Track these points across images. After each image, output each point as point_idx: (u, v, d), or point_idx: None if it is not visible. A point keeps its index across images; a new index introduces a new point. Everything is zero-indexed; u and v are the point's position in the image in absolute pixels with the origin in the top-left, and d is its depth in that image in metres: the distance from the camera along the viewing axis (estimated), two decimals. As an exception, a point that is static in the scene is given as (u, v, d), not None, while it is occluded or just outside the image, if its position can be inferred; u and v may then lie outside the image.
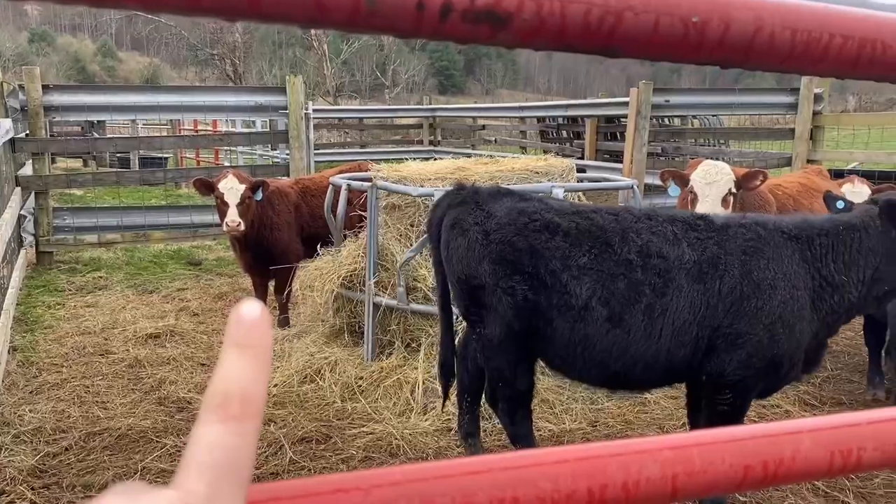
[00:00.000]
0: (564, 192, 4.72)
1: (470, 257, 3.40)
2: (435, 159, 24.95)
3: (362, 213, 5.36)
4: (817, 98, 11.15)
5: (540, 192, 4.89)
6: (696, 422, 3.50)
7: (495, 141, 22.92)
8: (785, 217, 3.46)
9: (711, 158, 14.93)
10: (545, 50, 0.55)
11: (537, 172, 5.16)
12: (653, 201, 10.82)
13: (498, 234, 3.33)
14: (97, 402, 4.86)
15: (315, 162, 21.18)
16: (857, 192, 5.89)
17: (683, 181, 4.81)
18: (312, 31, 39.73)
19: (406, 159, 25.13)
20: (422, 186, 5.00)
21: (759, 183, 4.69)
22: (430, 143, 23.52)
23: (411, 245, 4.97)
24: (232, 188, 5.68)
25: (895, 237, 3.10)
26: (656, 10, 0.53)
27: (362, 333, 5.27)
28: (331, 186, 5.73)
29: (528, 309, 3.28)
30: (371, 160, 24.32)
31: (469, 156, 20.00)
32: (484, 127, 22.89)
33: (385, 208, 5.36)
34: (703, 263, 3.17)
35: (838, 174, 11.40)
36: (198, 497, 0.42)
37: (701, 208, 4.64)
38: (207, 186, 5.80)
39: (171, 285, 7.97)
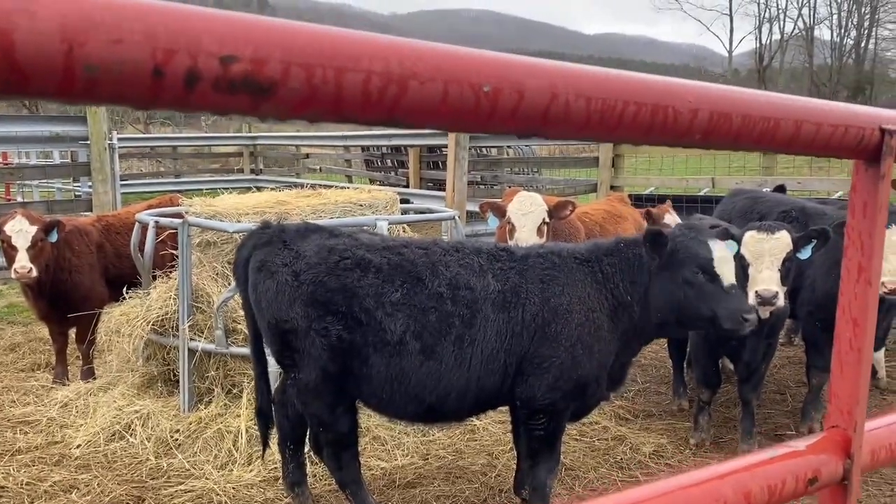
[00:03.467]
0: (388, 224, 4.68)
1: (280, 300, 3.30)
2: (257, 189, 24.16)
3: (174, 252, 5.00)
4: (617, 129, 12.09)
5: (364, 225, 4.84)
6: (519, 446, 3.63)
7: (320, 170, 22.66)
8: (579, 244, 3.67)
9: (525, 186, 15.69)
10: (321, 122, 0.47)
11: (361, 205, 5.10)
12: (475, 228, 11.16)
13: (308, 275, 3.26)
14: None
15: (123, 194, 19.83)
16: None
17: (501, 212, 4.96)
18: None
19: (226, 190, 23.89)
20: (238, 222, 4.76)
21: (569, 212, 4.94)
22: (252, 171, 22.80)
23: (229, 284, 4.70)
24: (21, 230, 5.09)
25: (659, 265, 3.35)
26: (444, 78, 0.47)
27: (178, 382, 4.89)
28: (137, 224, 5.29)
29: (343, 349, 3.25)
30: (187, 191, 23.11)
31: (293, 185, 19.57)
32: (308, 156, 22.56)
33: (199, 245, 5.04)
34: (506, 293, 3.30)
35: (638, 198, 12.45)
36: None
37: (519, 238, 4.80)
38: (-10, 229, 5.16)
39: (-48, 337, 7.00)
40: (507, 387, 3.35)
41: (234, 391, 4.73)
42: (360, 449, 3.71)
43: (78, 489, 4.08)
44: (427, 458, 4.47)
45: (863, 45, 59.47)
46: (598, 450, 4.65)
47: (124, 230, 5.89)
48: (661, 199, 12.22)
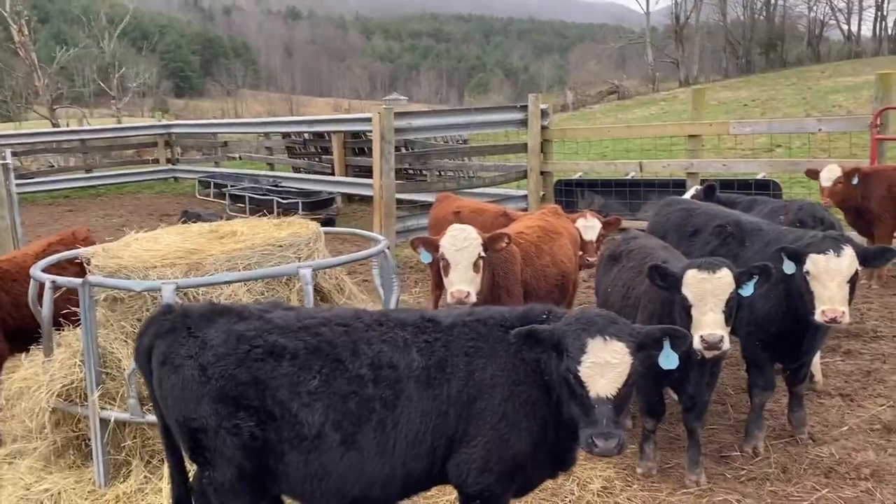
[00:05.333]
0: (312, 271, 4.35)
1: (186, 397, 2.99)
2: (175, 180, 23.19)
3: (76, 309, 4.55)
4: (544, 114, 11.92)
5: (285, 274, 4.50)
6: None
7: (239, 157, 21.86)
8: (512, 308, 3.37)
9: (455, 172, 15.43)
10: None
11: (281, 245, 4.73)
12: (407, 224, 10.87)
13: (216, 369, 2.96)
14: None
15: (30, 193, 18.64)
16: (590, 226, 6.26)
17: (434, 247, 4.70)
18: (15, 36, 34.97)
19: (140, 181, 22.94)
20: (146, 277, 4.35)
21: (504, 245, 4.73)
22: (168, 161, 21.85)
23: (141, 345, 4.29)
24: None
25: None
26: None
27: (91, 450, 4.48)
28: (32, 280, 4.79)
29: (257, 448, 2.97)
30: (100, 185, 21.94)
31: (212, 175, 18.80)
32: (226, 143, 21.69)
33: (105, 301, 4.60)
34: (431, 368, 3.05)
35: (567, 183, 12.38)
36: None
37: (454, 275, 4.57)
38: None
39: None
40: (436, 471, 3.11)
41: (154, 461, 4.37)
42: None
43: None
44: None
45: (773, 1, 61.10)
46: (546, 490, 4.50)
47: (22, 276, 5.35)
48: (591, 185, 12.23)
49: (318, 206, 13.96)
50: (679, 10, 58.40)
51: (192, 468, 3.43)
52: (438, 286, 6.92)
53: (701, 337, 3.76)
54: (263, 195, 14.58)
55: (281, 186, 15.63)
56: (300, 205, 13.62)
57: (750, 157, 14.35)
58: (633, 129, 14.25)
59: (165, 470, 4.24)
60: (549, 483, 4.54)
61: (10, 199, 7.99)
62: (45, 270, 4.87)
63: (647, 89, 49.69)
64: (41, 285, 4.73)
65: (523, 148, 12.06)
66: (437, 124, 11.80)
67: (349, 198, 15.90)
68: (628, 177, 11.88)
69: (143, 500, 4.18)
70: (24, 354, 5.33)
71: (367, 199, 13.66)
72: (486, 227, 5.47)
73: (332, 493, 3.06)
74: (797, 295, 4.32)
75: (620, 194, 11.73)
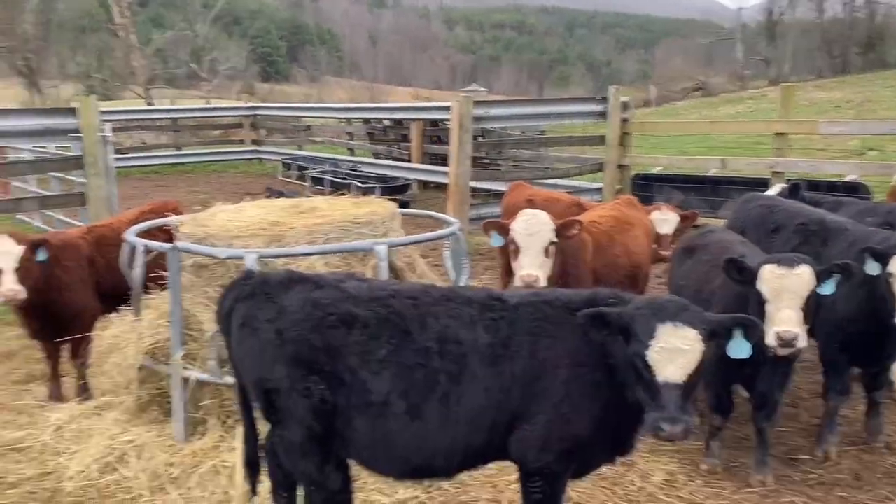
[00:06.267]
0: (388, 247, 4.47)
1: (263, 359, 3.14)
2: (259, 161, 23.86)
3: (165, 273, 4.81)
4: (625, 106, 11.74)
5: (361, 250, 4.64)
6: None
7: (322, 142, 22.33)
8: (579, 291, 3.39)
9: (530, 163, 15.36)
10: None
11: (359, 222, 4.87)
12: (480, 212, 10.92)
13: (292, 333, 3.09)
14: None
15: (124, 167, 19.57)
16: (665, 219, 6.18)
17: (505, 231, 4.75)
18: (117, 18, 36.63)
19: (226, 160, 23.65)
20: (230, 246, 4.56)
21: (576, 232, 4.74)
22: (254, 142, 22.52)
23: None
24: (5, 251, 4.90)
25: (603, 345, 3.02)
26: None
27: (171, 407, 4.74)
28: (125, 244, 5.09)
29: (326, 411, 3.09)
30: (189, 163, 22.80)
31: (294, 157, 19.31)
32: (309, 127, 22.21)
33: (191, 267, 4.85)
34: (496, 346, 3.10)
35: (645, 178, 12.17)
36: None
37: (524, 259, 4.61)
38: (-27, 250, 4.97)
39: (-56, 343, 6.89)
40: (497, 446, 3.17)
41: (230, 422, 4.59)
42: (360, 482, 3.56)
43: (70, 531, 3.97)
44: (430, 493, 4.33)
45: (875, -2, 57.96)
46: (607, 479, 4.50)
47: (116, 241, 5.67)
48: (669, 180, 11.98)
49: (394, 192, 14.16)
50: (773, 5, 56.18)
51: (263, 429, 3.59)
52: (507, 272, 6.94)
53: (776, 333, 3.69)
54: (342, 178, 14.89)
55: (359, 171, 15.93)
56: (377, 189, 13.86)
57: (840, 159, 13.76)
58: (716, 125, 13.89)
59: (239, 430, 4.46)
60: (610, 473, 4.56)
61: (108, 171, 8.44)
62: (137, 236, 5.15)
63: (735, 87, 48.03)
64: (134, 249, 5.02)
65: (601, 140, 11.90)
66: (515, 113, 11.79)
67: (424, 184, 16.06)
68: (709, 173, 11.58)
69: (217, 456, 4.40)
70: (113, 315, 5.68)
71: (441, 187, 13.76)
72: (559, 216, 5.47)
73: (396, 459, 3.17)
74: (880, 297, 4.18)
75: (700, 191, 11.43)
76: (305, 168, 17.23)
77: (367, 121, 19.56)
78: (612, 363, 3.05)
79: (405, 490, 4.31)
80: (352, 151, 19.87)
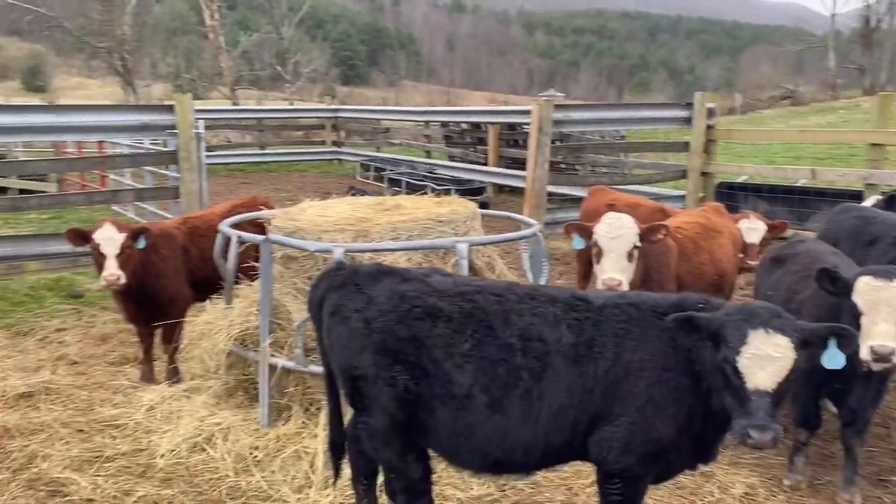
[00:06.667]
0: (468, 246, 4.53)
1: (351, 347, 3.25)
2: (339, 162, 24.36)
3: (255, 263, 5.00)
4: (710, 112, 11.47)
5: (442, 247, 4.72)
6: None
7: (400, 144, 22.65)
8: (666, 295, 3.36)
9: (609, 168, 15.16)
10: None
11: (441, 221, 4.95)
12: (555, 216, 10.87)
13: (379, 323, 3.18)
14: (-46, 489, 4.33)
15: (210, 164, 20.31)
16: (753, 228, 6.03)
17: (587, 234, 4.73)
18: (207, 20, 38.13)
19: (308, 161, 24.28)
20: (319, 240, 4.71)
21: (661, 237, 4.68)
22: (334, 143, 23.03)
23: (309, 301, 4.67)
24: (109, 238, 5.20)
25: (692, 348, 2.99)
26: None
27: (257, 392, 4.93)
28: (219, 234, 5.31)
29: (410, 400, 3.16)
30: (271, 162, 23.49)
31: (372, 158, 19.68)
32: (388, 129, 22.58)
33: (281, 259, 5.03)
34: (579, 346, 3.11)
35: (730, 187, 11.85)
36: None
37: (606, 263, 4.58)
38: (81, 237, 5.29)
39: (48, 325, 7.32)
40: (577, 445, 3.18)
41: (312, 409, 4.74)
42: (435, 476, 3.62)
43: (161, 507, 4.18)
44: (504, 490, 4.36)
45: (985, 4, 54.69)
46: (685, 488, 4.43)
47: (209, 232, 5.93)
48: (755, 189, 11.63)
49: (469, 194, 14.23)
50: (870, 12, 53.69)
51: (347, 415, 3.70)
52: (585, 278, 6.92)
53: (870, 347, 3.56)
54: (419, 180, 15.08)
55: (435, 173, 16.09)
56: (452, 192, 13.98)
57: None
58: (806, 134, 13.40)
59: (322, 417, 4.61)
60: (688, 482, 4.48)
61: (200, 167, 8.82)
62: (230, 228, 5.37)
63: (826, 96, 46.14)
64: (228, 240, 5.24)
65: (684, 147, 11.67)
66: (595, 118, 11.69)
67: (500, 188, 16.09)
68: (798, 184, 11.18)
69: (300, 442, 4.55)
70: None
71: (515, 191, 13.76)
72: (642, 222, 5.41)
73: (476, 452, 3.21)
74: None
75: (788, 201, 11.04)
76: (383, 169, 17.52)
77: (444, 124, 19.74)
78: (698, 369, 3.02)
79: (479, 486, 4.36)
80: (429, 154, 20.09)
